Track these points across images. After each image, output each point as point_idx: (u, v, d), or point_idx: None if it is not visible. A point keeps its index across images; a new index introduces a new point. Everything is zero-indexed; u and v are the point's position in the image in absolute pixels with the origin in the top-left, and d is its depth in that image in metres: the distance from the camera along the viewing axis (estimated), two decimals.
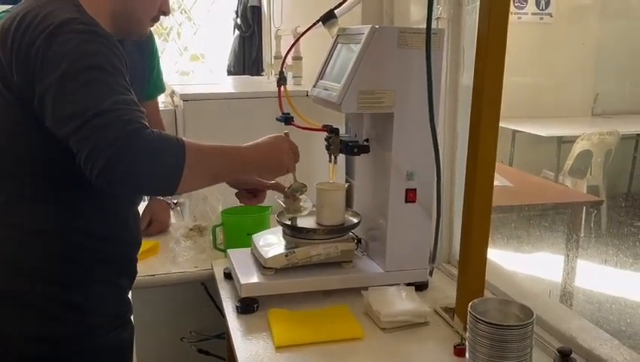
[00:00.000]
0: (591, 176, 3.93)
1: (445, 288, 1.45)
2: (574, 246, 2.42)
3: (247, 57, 4.08)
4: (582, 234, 2.61)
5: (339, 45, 1.42)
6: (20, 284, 1.10)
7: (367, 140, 1.41)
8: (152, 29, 1.35)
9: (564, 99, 4.79)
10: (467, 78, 1.47)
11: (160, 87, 1.94)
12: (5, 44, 1.05)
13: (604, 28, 4.81)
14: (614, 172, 4.08)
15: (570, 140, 4.15)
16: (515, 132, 4.40)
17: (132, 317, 1.29)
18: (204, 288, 1.84)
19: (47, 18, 1.03)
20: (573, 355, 0.99)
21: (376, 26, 1.26)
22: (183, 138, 1.04)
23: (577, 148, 4.02)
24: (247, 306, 1.31)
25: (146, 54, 1.80)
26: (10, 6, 1.36)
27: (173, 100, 2.14)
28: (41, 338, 1.11)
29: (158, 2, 1.22)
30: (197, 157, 1.03)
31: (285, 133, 1.27)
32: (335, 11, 1.39)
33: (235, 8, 4.16)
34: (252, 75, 3.76)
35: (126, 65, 1.08)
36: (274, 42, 3.01)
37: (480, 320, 0.97)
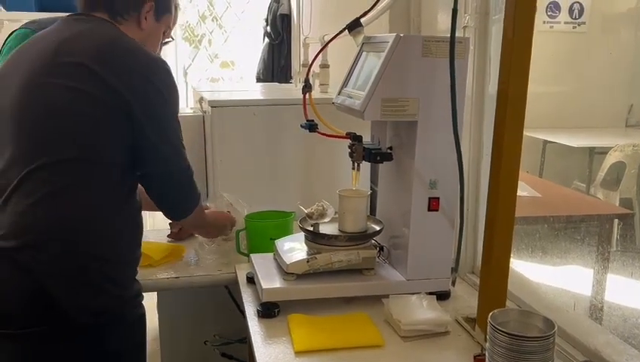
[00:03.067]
0: (624, 188, 3.83)
1: (468, 298, 1.43)
2: (604, 260, 2.35)
3: (276, 65, 4.12)
4: (614, 248, 2.54)
5: (364, 53, 1.43)
6: (81, 261, 1.21)
7: (390, 148, 1.41)
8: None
9: (597, 110, 4.69)
10: (493, 88, 1.45)
11: None
12: (104, 67, 1.20)
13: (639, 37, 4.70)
14: None
15: (603, 151, 4.05)
16: (545, 142, 4.32)
17: None
18: (228, 291, 1.86)
19: (140, 52, 1.25)
20: None
21: (401, 35, 1.27)
22: None
23: (610, 159, 3.93)
24: (268, 310, 1.32)
25: None
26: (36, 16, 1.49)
27: (201, 106, 2.18)
28: (89, 310, 1.22)
29: (160, 39, 1.45)
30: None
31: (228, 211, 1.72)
32: (361, 20, 1.40)
33: (265, 16, 4.21)
34: (280, 83, 3.80)
35: None
36: (302, 50, 3.03)
37: (499, 330, 0.96)
